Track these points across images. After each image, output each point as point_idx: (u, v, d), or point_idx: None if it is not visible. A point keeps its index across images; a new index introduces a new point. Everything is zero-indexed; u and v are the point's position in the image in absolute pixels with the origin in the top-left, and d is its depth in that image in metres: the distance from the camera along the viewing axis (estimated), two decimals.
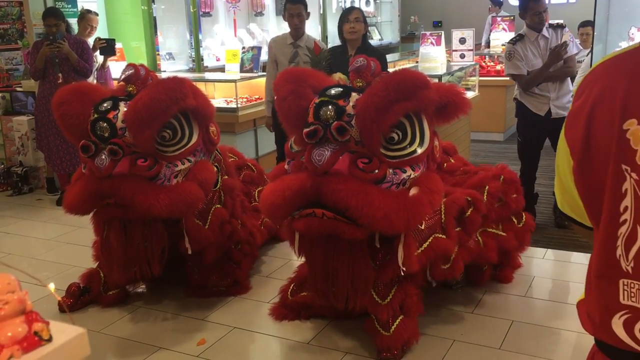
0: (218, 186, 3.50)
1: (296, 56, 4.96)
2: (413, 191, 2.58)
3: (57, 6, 6.28)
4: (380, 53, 4.81)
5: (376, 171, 2.54)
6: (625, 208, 1.18)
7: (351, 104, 2.59)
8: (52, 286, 0.94)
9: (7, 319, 0.87)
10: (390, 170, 2.57)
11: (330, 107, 2.59)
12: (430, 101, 2.59)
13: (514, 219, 3.53)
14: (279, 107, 2.81)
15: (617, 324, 1.20)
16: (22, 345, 0.87)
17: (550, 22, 4.98)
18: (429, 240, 2.85)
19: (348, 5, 10.60)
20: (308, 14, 5.08)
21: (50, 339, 0.89)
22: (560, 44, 4.61)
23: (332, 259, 2.72)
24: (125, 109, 3.07)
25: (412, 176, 2.62)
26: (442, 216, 2.94)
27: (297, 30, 4.98)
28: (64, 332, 0.91)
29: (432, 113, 2.68)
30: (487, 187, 3.29)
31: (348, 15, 4.59)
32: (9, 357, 0.85)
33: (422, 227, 2.82)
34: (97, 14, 6.27)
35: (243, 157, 4.34)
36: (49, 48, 5.28)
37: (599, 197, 1.22)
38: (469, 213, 3.08)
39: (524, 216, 3.61)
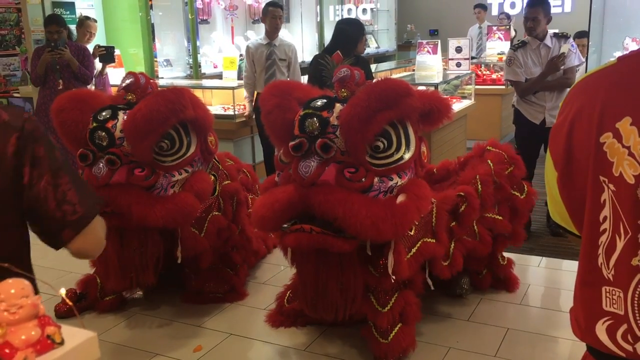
0: (216, 193, 3.52)
1: (272, 54, 5.62)
2: (400, 198, 2.59)
3: (55, 13, 6.31)
4: (366, 61, 5.43)
5: (363, 180, 2.55)
6: (605, 218, 1.23)
7: (335, 114, 2.61)
8: (62, 291, 0.96)
9: (21, 322, 0.90)
10: (377, 179, 2.59)
11: (314, 119, 2.61)
12: (413, 108, 2.61)
13: (516, 193, 3.51)
14: (265, 120, 2.82)
15: (601, 330, 1.24)
16: (35, 348, 0.89)
17: (555, 31, 4.95)
18: (418, 245, 2.87)
19: (345, 14, 10.67)
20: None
21: (62, 342, 0.91)
22: (557, 55, 4.62)
23: (322, 272, 2.73)
24: (125, 119, 3.07)
25: (399, 183, 2.64)
26: (433, 219, 2.97)
27: (277, 31, 5.64)
28: (75, 335, 0.93)
29: (416, 119, 2.70)
30: (477, 177, 3.29)
31: (364, 29, 5.09)
32: (23, 359, 0.87)
33: (411, 233, 2.84)
34: (95, 21, 6.31)
35: (239, 161, 4.36)
36: (50, 55, 5.30)
37: (582, 207, 1.27)
38: (463, 208, 3.11)
39: (526, 187, 3.58)
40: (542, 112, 4.73)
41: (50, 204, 1.35)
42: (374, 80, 2.81)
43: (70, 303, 3.26)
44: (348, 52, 4.60)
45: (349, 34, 4.77)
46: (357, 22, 6.52)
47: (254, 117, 5.80)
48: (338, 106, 2.64)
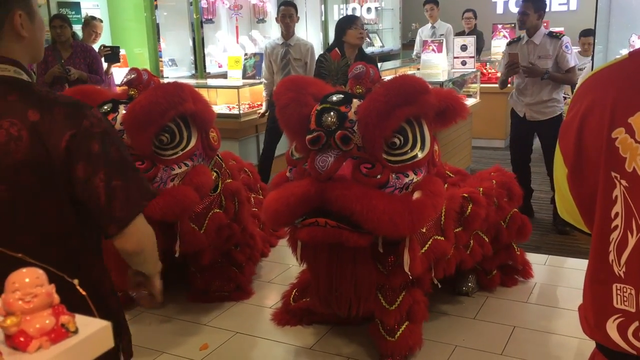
0: (218, 191, 3.51)
1: (287, 54, 5.61)
2: (416, 195, 2.59)
3: (61, 12, 6.33)
4: (373, 59, 5.36)
5: (379, 176, 2.56)
6: (616, 214, 1.21)
7: (353, 110, 2.62)
8: (76, 281, 0.97)
9: (35, 311, 0.91)
10: (393, 175, 2.59)
11: (332, 113, 2.61)
12: (430, 106, 2.62)
13: (502, 223, 3.51)
14: (280, 115, 2.83)
15: (612, 327, 1.23)
16: (50, 337, 0.90)
17: (552, 29, 5.02)
18: (429, 242, 2.87)
19: (350, 12, 10.68)
20: (298, 18, 5.79)
21: (76, 331, 0.92)
22: (509, 62, 4.83)
23: (336, 266, 2.73)
24: (124, 112, 3.10)
25: (414, 180, 2.64)
26: (442, 218, 2.97)
27: (289, 30, 5.60)
28: (89, 324, 0.94)
29: (432, 118, 2.71)
30: (481, 189, 3.30)
31: (356, 20, 4.91)
32: (37, 347, 0.88)
33: (424, 230, 2.84)
34: (101, 21, 6.32)
35: (241, 160, 4.37)
36: (59, 71, 5.29)
37: (592, 204, 1.26)
38: (469, 210, 3.11)
39: (508, 218, 3.57)
40: (524, 107, 4.99)
41: (101, 199, 1.44)
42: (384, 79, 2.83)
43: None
44: (341, 46, 4.63)
45: (339, 27, 4.84)
46: (349, 15, 6.63)
47: (268, 114, 5.85)
48: (356, 101, 2.65)
